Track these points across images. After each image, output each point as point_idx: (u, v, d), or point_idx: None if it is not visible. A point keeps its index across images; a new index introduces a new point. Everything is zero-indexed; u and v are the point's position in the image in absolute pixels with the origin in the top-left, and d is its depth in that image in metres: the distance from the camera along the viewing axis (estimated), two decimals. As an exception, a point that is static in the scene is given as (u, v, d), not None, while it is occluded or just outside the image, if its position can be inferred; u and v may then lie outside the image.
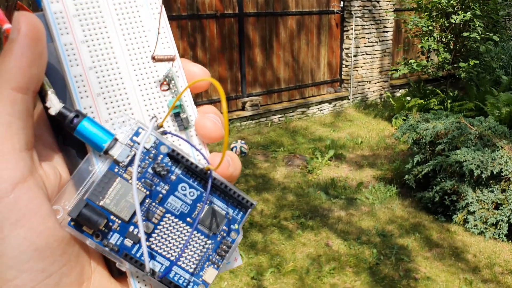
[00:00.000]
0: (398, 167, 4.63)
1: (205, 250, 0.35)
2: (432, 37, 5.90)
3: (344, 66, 6.87)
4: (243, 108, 5.96)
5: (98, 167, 0.32)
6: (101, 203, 0.32)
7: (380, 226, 3.67)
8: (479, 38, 5.49)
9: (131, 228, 0.33)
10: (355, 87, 6.92)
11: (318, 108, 6.62)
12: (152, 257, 0.33)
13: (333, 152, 4.99)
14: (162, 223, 0.34)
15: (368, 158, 5.12)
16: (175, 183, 0.34)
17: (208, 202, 0.35)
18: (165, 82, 0.36)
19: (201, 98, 5.50)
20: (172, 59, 0.36)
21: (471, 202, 3.52)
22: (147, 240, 0.33)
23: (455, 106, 5.75)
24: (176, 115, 0.36)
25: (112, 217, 0.32)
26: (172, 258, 0.34)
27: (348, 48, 6.77)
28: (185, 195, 0.35)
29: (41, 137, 0.33)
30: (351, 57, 6.76)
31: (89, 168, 0.32)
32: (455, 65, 5.99)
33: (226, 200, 0.36)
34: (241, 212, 0.37)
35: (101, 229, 0.32)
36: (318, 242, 3.42)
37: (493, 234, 3.41)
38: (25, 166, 0.29)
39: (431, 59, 6.35)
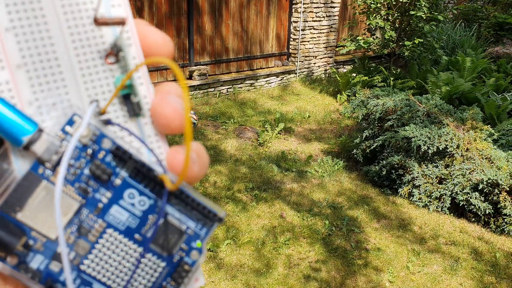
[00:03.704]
0: (345, 142, 4.73)
1: (157, 275, 0.28)
2: (379, 15, 6.01)
3: (292, 39, 6.86)
4: (190, 77, 5.81)
5: (17, 166, 0.25)
6: (18, 216, 0.24)
7: (330, 198, 3.75)
8: (424, 18, 5.66)
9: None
10: (302, 62, 6.95)
11: (266, 81, 6.59)
12: (87, 285, 0.26)
13: (283, 126, 5.01)
14: (101, 241, 0.26)
15: (315, 132, 5.20)
16: (120, 189, 0.27)
17: (163, 215, 0.28)
18: (111, 53, 0.27)
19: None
20: (121, 23, 0.27)
21: (416, 177, 3.67)
22: (81, 263, 0.26)
23: (398, 83, 5.94)
24: (126, 97, 0.27)
25: (33, 233, 0.25)
26: (114, 286, 0.27)
27: (296, 22, 6.75)
28: (133, 204, 0.27)
29: None
30: (299, 30, 6.75)
31: (4, 167, 0.24)
32: (400, 44, 6.16)
33: (187, 211, 0.28)
34: (206, 227, 0.29)
35: (17, 250, 0.25)
36: (272, 213, 3.43)
37: (437, 207, 3.59)
38: None
39: (377, 37, 6.49)
